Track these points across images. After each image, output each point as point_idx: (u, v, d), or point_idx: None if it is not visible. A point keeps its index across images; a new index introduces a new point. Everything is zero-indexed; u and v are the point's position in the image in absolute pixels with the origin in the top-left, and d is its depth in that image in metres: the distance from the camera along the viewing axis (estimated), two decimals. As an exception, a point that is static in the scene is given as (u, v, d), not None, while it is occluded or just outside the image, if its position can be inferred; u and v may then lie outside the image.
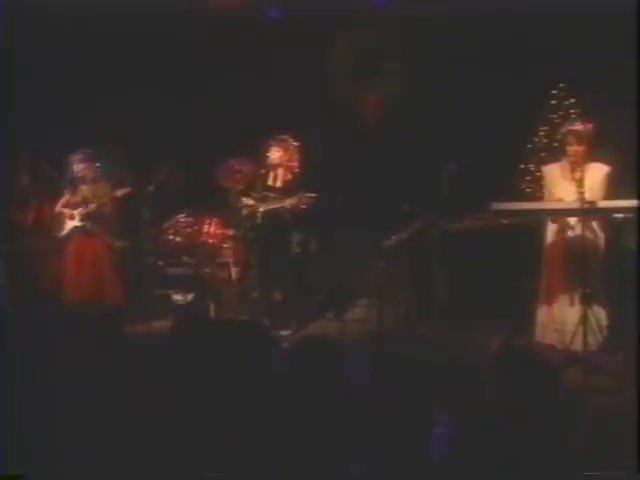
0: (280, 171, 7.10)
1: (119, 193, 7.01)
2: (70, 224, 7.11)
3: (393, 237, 6.56)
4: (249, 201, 7.11)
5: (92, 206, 7.05)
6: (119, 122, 7.80)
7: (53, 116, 7.89)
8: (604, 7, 6.41)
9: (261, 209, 6.96)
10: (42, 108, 7.88)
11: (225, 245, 7.54)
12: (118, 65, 8.01)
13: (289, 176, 7.07)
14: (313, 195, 6.69)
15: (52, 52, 8.01)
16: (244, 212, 7.16)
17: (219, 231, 7.53)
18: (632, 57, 6.26)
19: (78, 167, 7.06)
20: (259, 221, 7.00)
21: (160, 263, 7.53)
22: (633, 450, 2.94)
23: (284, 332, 6.75)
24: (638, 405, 3.08)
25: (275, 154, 7.04)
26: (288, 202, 6.79)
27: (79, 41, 7.93)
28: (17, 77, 7.57)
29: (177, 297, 7.64)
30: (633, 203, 5.42)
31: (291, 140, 7.03)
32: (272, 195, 7.01)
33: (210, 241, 7.51)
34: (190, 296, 7.64)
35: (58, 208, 7.16)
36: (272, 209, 6.93)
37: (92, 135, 7.36)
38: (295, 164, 7.03)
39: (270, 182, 7.13)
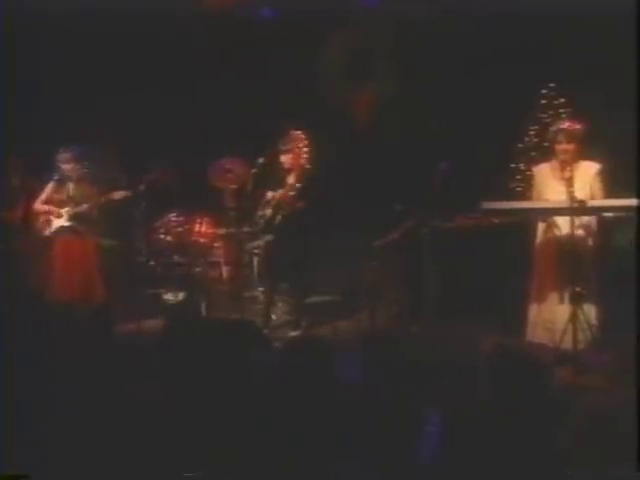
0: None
1: (117, 196, 6.96)
2: (58, 223, 7.07)
3: (385, 237, 6.59)
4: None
5: (83, 205, 7.02)
6: (111, 122, 7.79)
7: (45, 116, 7.86)
8: (601, 7, 6.43)
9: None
10: (33, 108, 7.86)
11: (216, 244, 7.54)
12: (110, 65, 7.99)
13: (281, 175, 7.07)
14: (299, 185, 6.67)
15: (46, 53, 7.98)
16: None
17: (210, 230, 7.53)
18: (625, 56, 6.27)
19: (67, 165, 7.02)
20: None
21: (151, 262, 7.53)
22: (633, 450, 2.94)
23: (275, 331, 6.76)
24: (638, 404, 3.08)
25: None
26: (276, 196, 6.78)
27: (71, 41, 7.91)
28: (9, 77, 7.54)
29: (168, 296, 7.63)
30: (623, 202, 5.46)
31: (283, 140, 7.01)
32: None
33: (201, 240, 7.51)
34: (181, 295, 7.63)
35: (47, 206, 7.11)
36: (265, 207, 6.93)
37: (84, 134, 7.35)
38: (287, 164, 7.01)
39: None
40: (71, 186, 7.08)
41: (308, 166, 6.80)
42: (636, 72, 5.86)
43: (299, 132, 6.82)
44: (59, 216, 7.05)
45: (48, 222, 7.05)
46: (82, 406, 3.49)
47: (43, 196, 7.11)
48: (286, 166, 6.86)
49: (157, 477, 3.16)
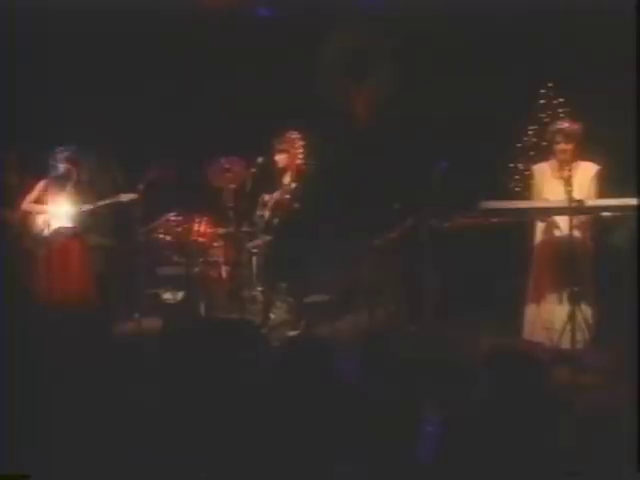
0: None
1: (124, 198, 6.95)
2: (56, 223, 7.05)
3: (384, 236, 6.61)
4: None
5: (86, 206, 7.02)
6: (110, 121, 7.80)
7: (46, 115, 7.87)
8: (598, 7, 6.41)
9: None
10: (32, 107, 7.87)
11: (215, 244, 7.55)
12: (107, 65, 7.99)
13: (280, 175, 7.09)
14: (296, 185, 6.69)
15: (40, 51, 7.98)
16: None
17: (209, 230, 7.54)
18: (624, 56, 6.28)
19: (65, 165, 7.01)
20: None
21: (150, 262, 7.54)
22: (631, 446, 2.94)
23: (274, 331, 6.77)
24: (638, 404, 3.09)
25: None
26: (274, 196, 6.80)
27: (67, 40, 7.91)
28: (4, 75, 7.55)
29: (167, 296, 7.65)
30: (621, 201, 5.48)
31: (281, 139, 7.02)
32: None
33: (201, 240, 7.52)
34: (180, 295, 7.65)
35: (38, 206, 7.09)
36: (264, 207, 6.94)
37: (83, 134, 7.36)
38: (285, 163, 7.03)
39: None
40: (69, 186, 7.07)
41: (304, 166, 6.85)
42: (636, 72, 5.84)
43: (295, 132, 6.86)
44: (56, 216, 7.02)
45: (46, 222, 7.03)
46: (82, 406, 3.49)
47: (32, 196, 7.08)
48: (282, 166, 6.90)
49: (157, 476, 3.16)
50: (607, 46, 6.60)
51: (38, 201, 7.08)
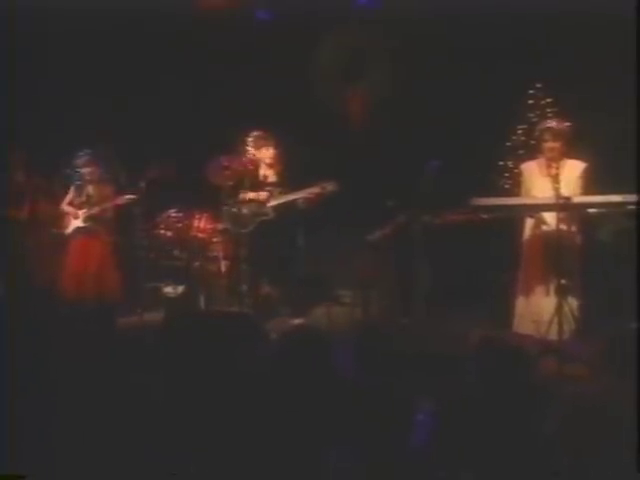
0: (267, 169, 7.24)
1: (131, 196, 7.13)
2: (75, 223, 7.28)
3: (378, 231, 6.73)
4: (248, 197, 7.23)
5: (102, 205, 7.22)
6: (109, 121, 7.90)
7: (48, 114, 7.98)
8: (597, 6, 6.45)
9: (270, 204, 7.08)
10: (37, 107, 7.97)
11: (215, 239, 7.67)
12: (109, 65, 8.08)
13: (276, 173, 7.21)
14: (335, 183, 6.79)
15: (47, 51, 8.08)
16: (242, 209, 7.26)
17: (209, 226, 7.66)
18: (614, 56, 6.37)
19: (86, 169, 7.22)
20: (249, 218, 7.17)
21: (152, 257, 7.67)
22: (633, 449, 2.96)
23: (271, 324, 6.88)
24: (638, 402, 3.19)
25: (263, 152, 7.18)
26: (309, 192, 6.87)
27: (72, 40, 7.99)
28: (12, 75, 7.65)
29: (168, 290, 7.77)
30: (607, 198, 5.61)
31: (277, 138, 7.15)
32: (267, 190, 7.14)
33: (200, 235, 7.64)
34: (181, 289, 7.77)
35: (63, 207, 7.35)
36: (282, 204, 7.04)
37: (86, 134, 7.49)
38: (282, 162, 7.15)
39: (259, 179, 7.27)
40: (91, 188, 7.29)
41: (284, 166, 6.97)
42: (636, 72, 5.91)
43: (263, 131, 7.02)
44: (77, 217, 7.27)
45: (66, 222, 7.30)
46: (82, 403, 3.54)
47: (68, 198, 7.37)
48: (264, 166, 7.05)
49: (158, 472, 3.23)
50: (607, 46, 6.66)
51: (71, 203, 7.36)
